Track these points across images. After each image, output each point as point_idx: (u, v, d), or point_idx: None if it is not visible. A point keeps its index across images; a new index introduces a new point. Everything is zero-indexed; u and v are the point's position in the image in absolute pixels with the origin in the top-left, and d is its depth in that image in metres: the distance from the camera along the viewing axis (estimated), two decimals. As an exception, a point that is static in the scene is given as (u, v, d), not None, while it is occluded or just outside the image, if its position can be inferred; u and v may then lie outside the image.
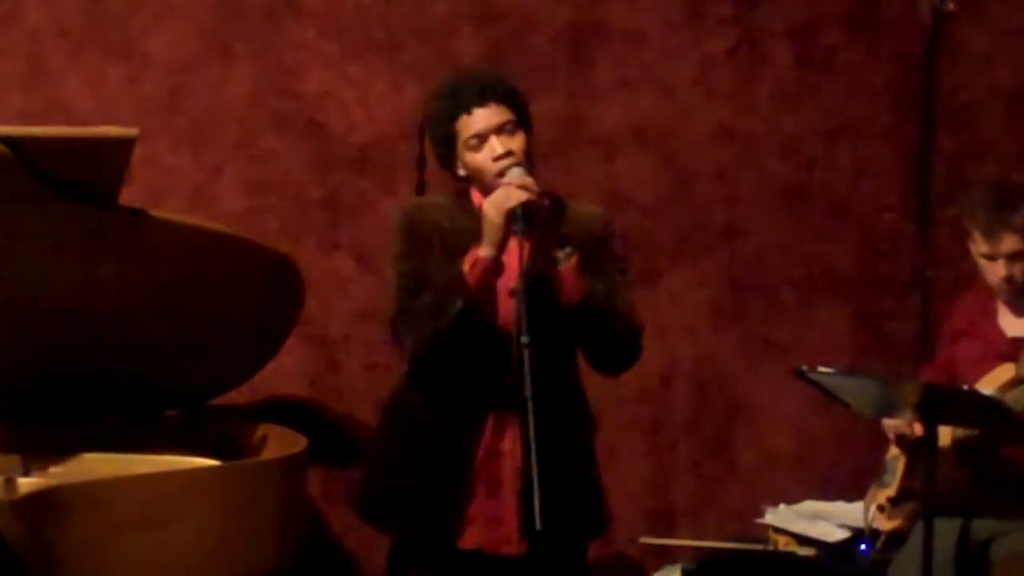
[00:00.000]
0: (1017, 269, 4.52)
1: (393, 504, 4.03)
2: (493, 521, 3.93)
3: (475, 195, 3.99)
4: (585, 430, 4.10)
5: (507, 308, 3.86)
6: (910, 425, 4.52)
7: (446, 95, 3.99)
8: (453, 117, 3.93)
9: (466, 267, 3.85)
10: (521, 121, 3.95)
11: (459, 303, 3.83)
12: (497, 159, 3.88)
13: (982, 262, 4.56)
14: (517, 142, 3.91)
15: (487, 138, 3.90)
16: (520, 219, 3.80)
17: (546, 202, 3.89)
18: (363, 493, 4.14)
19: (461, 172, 3.98)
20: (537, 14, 5.37)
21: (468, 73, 4.11)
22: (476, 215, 3.91)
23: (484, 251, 3.84)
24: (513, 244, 3.80)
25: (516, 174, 3.85)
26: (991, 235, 4.50)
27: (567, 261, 3.88)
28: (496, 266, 3.84)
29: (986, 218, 4.51)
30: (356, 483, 4.22)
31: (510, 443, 3.89)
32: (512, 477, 3.86)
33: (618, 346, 4.01)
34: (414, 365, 4.00)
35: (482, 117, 3.91)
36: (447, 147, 3.98)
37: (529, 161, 3.92)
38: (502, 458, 3.92)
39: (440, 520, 3.94)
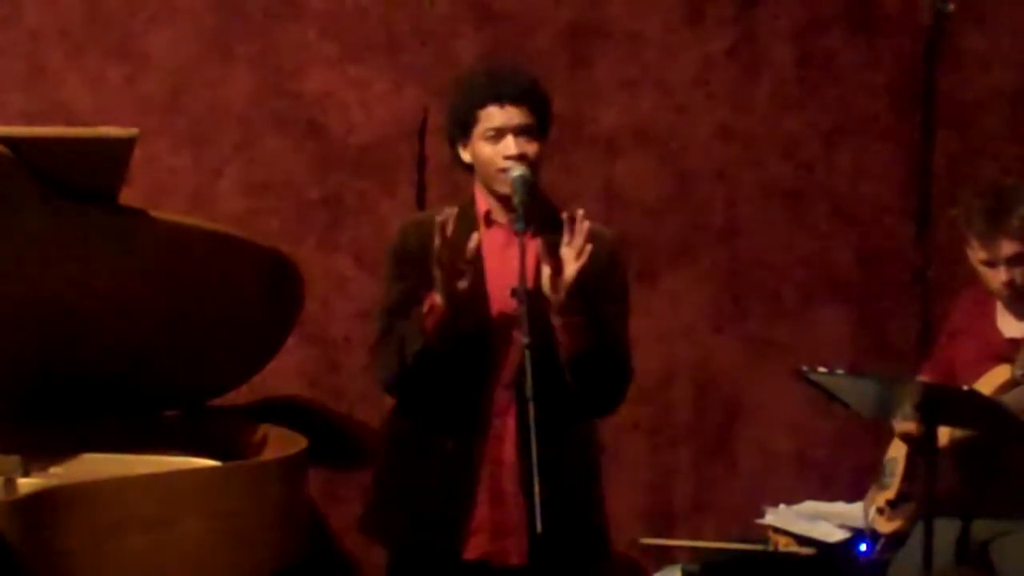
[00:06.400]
0: (1018, 273, 4.48)
1: (397, 517, 3.99)
2: (498, 532, 3.89)
3: (479, 200, 3.97)
4: (585, 450, 4.03)
5: (502, 306, 3.85)
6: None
7: (481, 81, 3.94)
8: (482, 104, 3.88)
9: (424, 310, 3.82)
10: (542, 131, 3.92)
11: (418, 345, 3.82)
12: (508, 159, 3.86)
13: (982, 269, 4.51)
14: (532, 148, 3.87)
15: (505, 135, 3.87)
16: (520, 218, 3.78)
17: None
18: (368, 510, 4.11)
19: (467, 159, 3.95)
20: (537, 14, 5.37)
21: (507, 67, 4.05)
22: (475, 224, 3.90)
23: (437, 298, 3.80)
24: (514, 243, 3.78)
25: (517, 172, 3.84)
26: (989, 242, 4.45)
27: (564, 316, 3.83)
28: (449, 315, 3.78)
29: (983, 225, 4.45)
30: (364, 507, 4.17)
31: (511, 452, 3.87)
32: (516, 487, 3.84)
33: (601, 392, 3.95)
34: (388, 392, 4.00)
35: (509, 114, 3.87)
36: (463, 130, 3.92)
37: (535, 169, 3.88)
38: (504, 468, 3.88)
39: (444, 531, 3.91)
